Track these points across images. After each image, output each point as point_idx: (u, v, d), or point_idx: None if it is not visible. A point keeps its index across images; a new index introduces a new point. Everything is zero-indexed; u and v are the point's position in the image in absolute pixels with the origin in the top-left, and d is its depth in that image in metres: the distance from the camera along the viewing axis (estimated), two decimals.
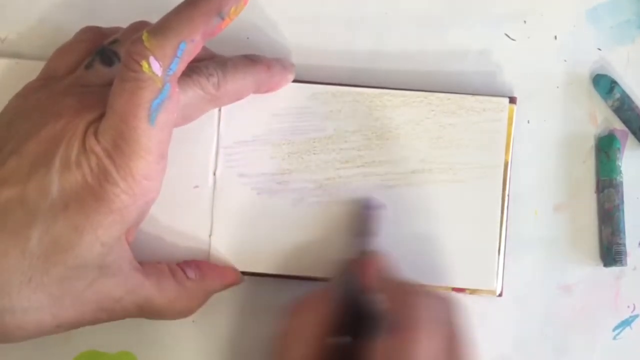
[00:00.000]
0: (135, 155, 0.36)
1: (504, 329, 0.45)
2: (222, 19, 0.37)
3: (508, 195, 0.43)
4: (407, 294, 0.38)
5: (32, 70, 0.42)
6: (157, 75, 0.35)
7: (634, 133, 0.45)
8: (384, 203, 0.43)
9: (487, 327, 0.45)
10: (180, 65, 0.36)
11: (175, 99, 0.37)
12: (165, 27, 0.36)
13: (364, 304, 0.38)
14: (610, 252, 0.44)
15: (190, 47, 0.36)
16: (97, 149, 0.36)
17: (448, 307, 0.38)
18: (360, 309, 0.38)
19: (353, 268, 0.40)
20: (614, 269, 0.45)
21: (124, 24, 0.42)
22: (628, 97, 0.45)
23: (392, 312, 0.37)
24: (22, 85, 0.41)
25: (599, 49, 0.46)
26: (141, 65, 0.35)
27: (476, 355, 0.38)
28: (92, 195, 0.36)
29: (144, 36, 0.35)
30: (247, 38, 0.46)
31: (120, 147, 0.36)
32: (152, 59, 0.35)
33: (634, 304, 0.45)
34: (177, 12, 0.36)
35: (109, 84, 0.38)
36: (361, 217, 0.43)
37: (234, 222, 0.43)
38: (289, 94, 0.43)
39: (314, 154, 0.43)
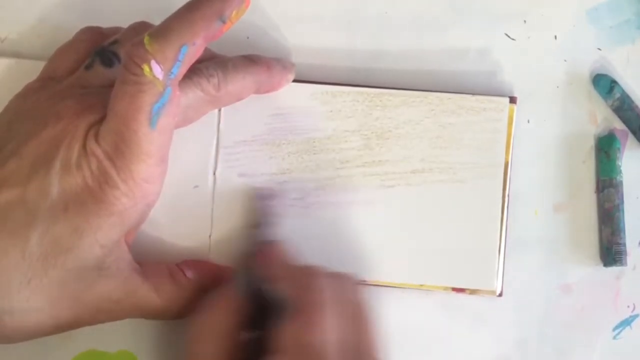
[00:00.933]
0: (136, 159, 0.36)
1: (504, 329, 0.45)
2: (224, 22, 0.37)
3: (508, 195, 0.43)
4: (306, 277, 0.38)
5: (32, 70, 0.42)
6: (158, 79, 0.35)
7: (634, 133, 0.45)
8: (275, 192, 0.43)
9: (487, 327, 0.45)
10: (181, 69, 0.36)
11: (176, 102, 0.37)
12: (166, 30, 0.36)
13: (266, 294, 0.38)
14: (610, 252, 0.44)
15: (191, 50, 0.36)
16: (98, 151, 0.36)
17: (348, 285, 0.39)
18: (264, 300, 0.38)
19: (253, 259, 0.40)
20: (614, 269, 0.45)
21: (124, 24, 0.42)
22: (628, 97, 0.45)
23: (293, 297, 0.37)
24: (22, 85, 0.41)
25: (599, 49, 0.46)
26: (142, 69, 0.35)
27: (380, 330, 0.38)
28: (92, 197, 0.36)
29: (146, 39, 0.35)
30: (247, 38, 0.46)
31: (121, 150, 0.36)
32: (153, 63, 0.35)
33: (634, 304, 0.45)
34: (179, 15, 0.36)
35: (109, 85, 0.38)
36: (255, 209, 0.43)
37: (234, 222, 0.43)
38: (289, 94, 0.43)
39: (314, 153, 0.43)
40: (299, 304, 0.36)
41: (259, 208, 0.43)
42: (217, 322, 0.38)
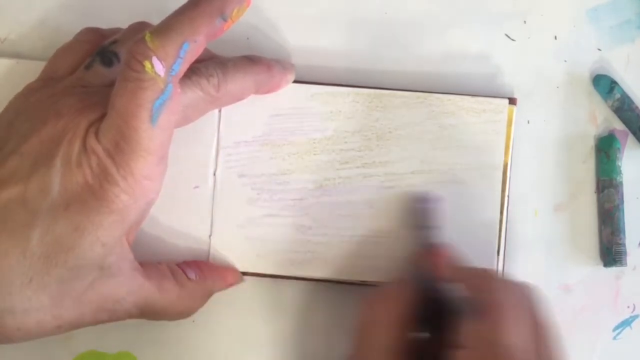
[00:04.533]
0: (136, 155, 0.36)
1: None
2: (225, 20, 0.37)
3: (508, 196, 0.43)
4: (486, 279, 0.38)
5: (32, 70, 0.42)
6: (159, 75, 0.35)
7: (634, 133, 0.45)
8: (442, 196, 0.43)
9: None
10: (182, 66, 0.36)
11: (177, 99, 0.37)
12: (168, 27, 0.36)
13: (440, 294, 0.38)
14: (610, 252, 0.44)
15: (192, 48, 0.36)
16: (98, 148, 0.36)
17: (529, 293, 0.38)
18: (438, 300, 0.38)
19: (424, 260, 0.40)
20: (614, 269, 0.45)
21: (124, 25, 0.42)
22: (628, 97, 0.45)
23: (478, 298, 0.37)
24: (23, 86, 0.41)
25: (599, 49, 0.46)
26: (144, 66, 0.35)
27: (562, 345, 0.38)
28: (92, 195, 0.36)
29: (147, 36, 0.35)
30: (247, 39, 0.46)
31: (121, 147, 0.36)
32: (154, 59, 0.35)
33: (634, 304, 0.45)
34: (180, 13, 0.36)
35: (109, 84, 0.38)
36: (421, 211, 0.43)
37: (234, 222, 0.43)
38: (289, 94, 0.43)
39: (314, 154, 0.43)
40: (485, 305, 0.36)
41: (423, 210, 0.42)
42: (396, 311, 0.38)
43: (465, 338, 0.36)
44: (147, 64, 0.35)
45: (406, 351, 0.37)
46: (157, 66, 0.35)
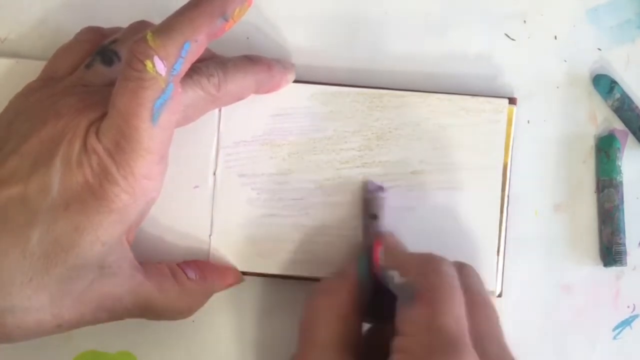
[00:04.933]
0: (136, 155, 0.36)
1: (504, 329, 0.45)
2: (226, 20, 0.37)
3: (508, 196, 0.43)
4: (420, 264, 0.38)
5: (32, 70, 0.42)
6: (160, 75, 0.35)
7: (634, 133, 0.45)
8: (382, 185, 0.43)
9: None
10: (184, 66, 0.36)
11: (178, 99, 0.37)
12: (169, 27, 0.36)
13: (388, 281, 0.38)
14: (610, 252, 0.44)
15: (194, 47, 0.36)
16: (99, 148, 0.36)
17: (470, 273, 0.39)
18: (380, 289, 0.38)
19: (369, 249, 0.40)
20: (614, 269, 0.45)
21: (124, 24, 0.42)
22: (628, 97, 0.45)
23: (420, 283, 0.36)
24: (23, 85, 0.41)
25: (599, 49, 0.46)
26: (145, 65, 0.35)
27: (498, 316, 0.38)
28: (92, 194, 0.36)
29: (148, 36, 0.35)
30: (247, 38, 0.46)
31: (121, 147, 0.36)
32: (156, 59, 0.35)
33: (634, 304, 0.45)
34: (182, 12, 0.36)
35: (109, 83, 0.38)
36: (364, 201, 0.43)
37: (234, 222, 0.43)
38: (289, 94, 0.43)
39: (314, 154, 0.43)
40: (427, 289, 0.36)
41: (371, 199, 0.43)
42: (337, 305, 0.38)
43: (402, 325, 0.35)
44: (149, 63, 0.35)
45: (353, 344, 0.37)
46: (159, 65, 0.35)
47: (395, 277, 0.37)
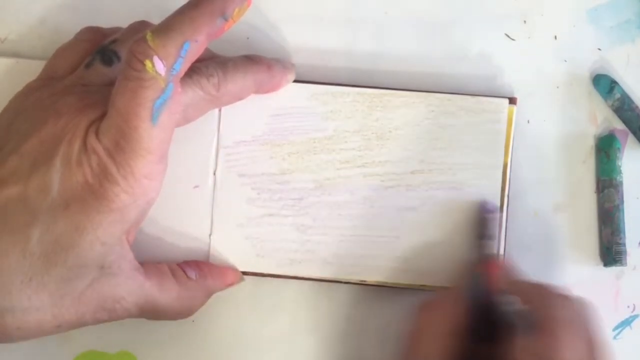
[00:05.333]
0: (136, 155, 0.36)
1: None
2: (226, 20, 0.37)
3: (508, 196, 0.43)
4: (542, 294, 0.38)
5: (32, 70, 0.42)
6: (160, 74, 0.35)
7: (634, 133, 0.45)
8: (497, 206, 0.43)
9: None
10: (183, 66, 0.36)
11: (177, 99, 0.37)
12: (169, 27, 0.36)
13: (495, 306, 0.38)
14: (610, 252, 0.44)
15: (193, 47, 0.36)
16: (98, 147, 0.36)
17: (584, 310, 0.38)
18: (492, 311, 0.38)
19: (480, 270, 0.40)
20: (614, 269, 0.45)
21: (124, 24, 0.42)
22: (628, 97, 0.45)
23: (534, 313, 0.37)
24: (23, 85, 0.41)
25: (599, 49, 0.46)
26: (144, 65, 0.35)
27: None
28: (92, 194, 0.36)
29: (148, 35, 0.35)
30: (247, 38, 0.46)
31: (121, 146, 0.36)
32: (155, 59, 0.35)
33: (634, 304, 0.45)
34: (181, 12, 0.36)
35: (109, 83, 0.38)
36: (480, 221, 0.43)
37: (234, 222, 0.43)
38: (289, 94, 0.43)
39: (314, 154, 0.43)
40: (540, 320, 0.36)
41: (488, 219, 0.42)
42: (445, 321, 0.38)
43: (519, 353, 0.35)
44: (148, 63, 0.35)
45: (457, 357, 0.37)
46: (158, 65, 0.35)
47: (516, 304, 0.37)
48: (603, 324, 0.45)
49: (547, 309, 0.37)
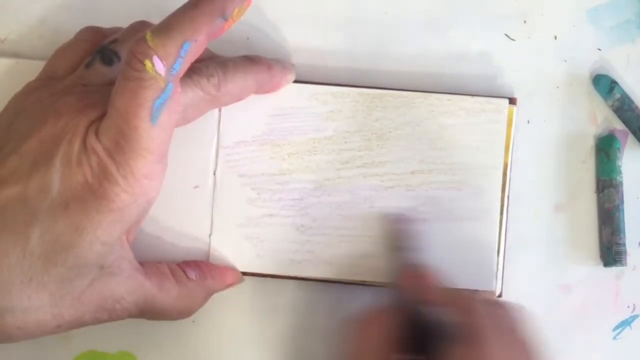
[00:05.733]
0: (136, 154, 0.36)
1: None
2: (226, 20, 0.37)
3: (508, 196, 0.43)
4: (469, 302, 0.38)
5: (32, 70, 0.42)
6: (160, 74, 0.35)
7: (634, 133, 0.45)
8: (417, 218, 0.43)
9: None
10: (183, 66, 0.36)
11: (177, 99, 0.37)
12: (169, 27, 0.36)
13: (426, 318, 0.38)
14: (610, 252, 0.44)
15: (193, 47, 0.36)
16: (98, 147, 0.36)
17: (513, 314, 0.38)
18: (423, 323, 0.38)
19: (407, 281, 0.40)
20: (614, 269, 0.45)
21: (124, 24, 0.42)
22: (628, 97, 0.45)
23: (460, 323, 0.37)
24: (22, 85, 0.41)
25: (599, 49, 0.46)
26: (144, 65, 0.35)
27: None
28: (92, 194, 0.36)
29: (148, 35, 0.35)
30: (247, 38, 0.46)
31: (121, 146, 0.36)
32: (155, 59, 0.35)
33: (634, 304, 0.45)
34: (181, 12, 0.36)
35: (109, 83, 0.38)
36: (399, 232, 0.42)
37: (234, 222, 0.43)
38: (289, 94, 0.43)
39: (314, 154, 0.43)
40: (467, 330, 0.36)
41: (397, 231, 0.42)
42: (382, 336, 0.38)
43: None
44: (148, 63, 0.35)
45: None
46: (158, 65, 0.35)
47: (443, 314, 0.37)
48: (603, 324, 0.45)
49: (475, 317, 0.37)
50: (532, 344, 0.37)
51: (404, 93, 0.44)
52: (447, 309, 0.38)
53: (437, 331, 0.37)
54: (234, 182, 0.43)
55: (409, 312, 0.39)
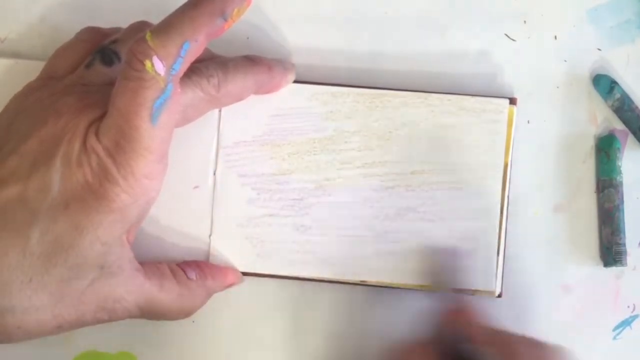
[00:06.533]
0: (136, 155, 0.36)
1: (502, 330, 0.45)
2: (225, 20, 0.37)
3: (508, 196, 0.43)
4: (512, 344, 0.38)
5: (32, 70, 0.42)
6: (160, 74, 0.35)
7: (634, 133, 0.45)
8: (463, 253, 0.43)
9: None
10: (183, 66, 0.36)
11: (177, 99, 0.37)
12: (168, 27, 0.36)
13: (468, 356, 0.38)
14: (610, 252, 0.44)
15: (193, 47, 0.36)
16: (98, 147, 0.36)
17: (556, 358, 0.38)
18: (460, 357, 0.38)
19: (452, 319, 0.40)
20: (614, 269, 0.45)
21: (124, 24, 0.42)
22: (628, 97, 0.45)
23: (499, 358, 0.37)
24: (22, 85, 0.41)
25: (599, 49, 0.46)
26: (144, 65, 0.35)
27: None
28: (92, 194, 0.36)
29: (148, 35, 0.35)
30: (247, 38, 0.46)
31: (121, 146, 0.36)
32: (155, 59, 0.35)
33: (634, 304, 0.45)
34: (181, 12, 0.36)
35: (109, 83, 0.38)
36: (452, 269, 0.43)
37: (234, 222, 0.43)
38: (289, 94, 0.43)
39: (314, 154, 0.43)
40: None
41: (451, 268, 0.42)
42: None
43: None
44: (148, 63, 0.35)
45: None
46: (158, 65, 0.35)
47: (487, 354, 0.37)
48: (603, 324, 0.45)
49: (514, 357, 0.37)
50: None
51: (404, 93, 0.44)
52: (488, 349, 0.38)
53: None
54: (234, 182, 0.43)
55: (450, 348, 0.38)
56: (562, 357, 0.39)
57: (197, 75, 0.39)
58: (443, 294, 0.42)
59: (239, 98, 0.42)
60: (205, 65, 0.40)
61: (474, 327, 0.39)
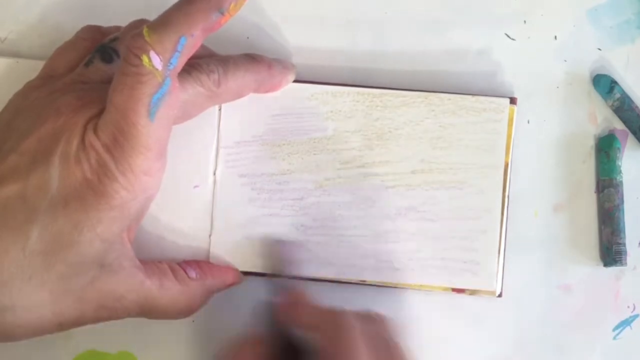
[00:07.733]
0: (135, 151, 0.36)
1: (503, 330, 0.45)
2: (222, 14, 0.37)
3: (508, 196, 0.43)
4: (335, 321, 0.38)
5: (32, 69, 0.42)
6: (157, 69, 0.35)
7: (634, 133, 0.45)
8: (293, 242, 0.43)
9: (486, 327, 0.45)
10: (180, 60, 0.36)
11: (175, 94, 0.37)
12: (165, 21, 0.36)
13: (295, 341, 0.38)
14: (610, 252, 0.44)
15: (190, 42, 0.36)
16: (97, 144, 0.36)
17: (379, 326, 0.39)
18: (293, 346, 0.38)
19: (283, 308, 0.40)
20: (614, 269, 0.45)
21: (124, 23, 0.42)
22: (628, 97, 0.45)
23: (325, 343, 0.36)
24: (22, 85, 0.41)
25: (599, 49, 0.46)
26: (141, 60, 0.35)
27: None
28: (91, 191, 0.36)
29: (144, 31, 0.35)
30: (247, 38, 0.46)
31: (119, 143, 0.36)
32: (152, 53, 0.35)
33: (634, 304, 0.45)
34: (177, 7, 0.36)
35: (109, 81, 0.38)
36: (273, 257, 0.43)
37: (234, 222, 0.43)
38: (289, 94, 0.43)
39: (314, 154, 0.43)
40: (331, 350, 0.36)
41: (277, 256, 0.43)
42: None
43: None
44: (145, 58, 0.35)
45: None
46: (155, 60, 0.35)
47: (300, 333, 0.37)
48: (604, 324, 0.45)
49: (325, 332, 0.37)
50: (405, 355, 0.38)
51: (404, 92, 0.44)
52: (312, 334, 0.37)
53: (305, 354, 0.37)
54: (234, 182, 0.43)
55: (281, 339, 0.39)
56: (390, 325, 0.39)
57: (197, 70, 0.39)
58: (278, 283, 0.42)
59: (239, 95, 0.41)
60: (206, 61, 0.40)
61: (302, 312, 0.39)
